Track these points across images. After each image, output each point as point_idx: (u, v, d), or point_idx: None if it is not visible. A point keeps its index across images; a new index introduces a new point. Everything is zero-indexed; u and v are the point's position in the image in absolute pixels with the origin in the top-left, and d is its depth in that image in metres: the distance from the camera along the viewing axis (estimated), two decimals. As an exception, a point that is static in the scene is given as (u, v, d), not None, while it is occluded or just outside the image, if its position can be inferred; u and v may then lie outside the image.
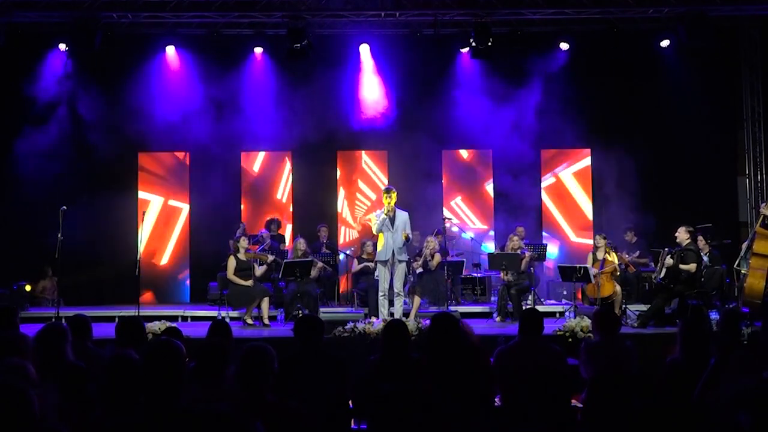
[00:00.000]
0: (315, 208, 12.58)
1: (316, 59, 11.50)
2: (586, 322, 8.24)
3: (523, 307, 9.46)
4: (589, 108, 12.19)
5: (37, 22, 11.30)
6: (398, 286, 9.04)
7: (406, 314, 9.19)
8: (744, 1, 11.05)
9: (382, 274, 9.11)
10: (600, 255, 9.96)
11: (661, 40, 11.71)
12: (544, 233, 12.52)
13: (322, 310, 9.85)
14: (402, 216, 9.02)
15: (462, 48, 11.79)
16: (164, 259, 12.55)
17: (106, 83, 11.88)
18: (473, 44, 11.14)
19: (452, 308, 9.99)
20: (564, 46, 11.82)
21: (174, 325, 6.97)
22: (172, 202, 12.59)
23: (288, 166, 12.71)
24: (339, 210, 12.67)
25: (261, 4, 11.09)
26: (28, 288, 11.15)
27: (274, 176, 12.75)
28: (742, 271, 9.62)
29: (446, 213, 12.28)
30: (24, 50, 11.64)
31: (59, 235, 9.50)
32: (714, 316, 8.98)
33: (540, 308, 9.54)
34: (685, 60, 11.86)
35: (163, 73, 12.05)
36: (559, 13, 11.21)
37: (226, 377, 3.60)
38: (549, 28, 11.89)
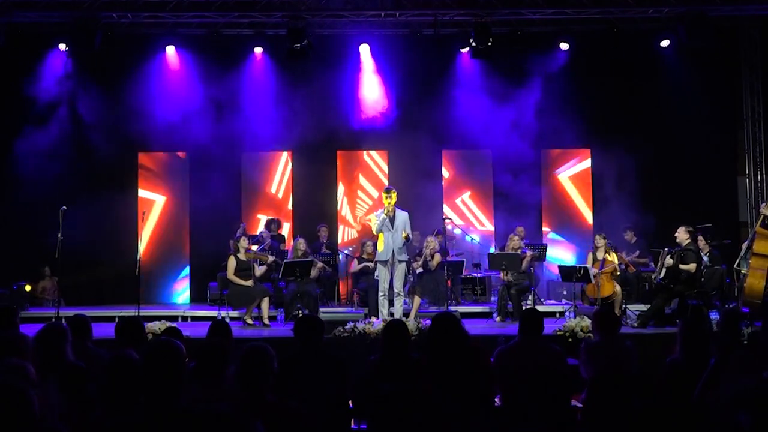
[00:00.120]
0: (315, 208, 12.58)
1: (316, 59, 11.50)
2: (586, 322, 8.25)
3: (523, 307, 9.47)
4: (589, 108, 12.18)
5: (37, 22, 11.30)
6: (398, 286, 9.04)
7: (406, 314, 9.18)
8: (744, 1, 11.05)
9: (382, 274, 9.11)
10: (600, 255, 9.95)
11: (661, 40, 11.71)
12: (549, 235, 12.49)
13: (322, 310, 9.85)
14: (402, 216, 9.02)
15: (462, 48, 11.80)
16: (164, 259, 12.54)
17: (106, 83, 11.89)
18: (473, 44, 11.14)
19: (452, 308, 9.98)
20: (564, 46, 11.81)
21: (174, 325, 6.98)
22: (172, 202, 12.58)
23: (288, 166, 12.71)
24: (339, 210, 12.68)
25: (261, 4, 11.09)
26: (28, 288, 11.15)
27: (274, 176, 12.74)
28: (742, 271, 9.62)
29: (446, 212, 12.27)
30: (24, 50, 11.64)
31: (59, 235, 9.50)
32: (714, 316, 8.99)
33: (540, 308, 9.55)
34: (685, 60, 11.86)
35: (163, 73, 12.04)
36: (559, 13, 11.21)
37: (226, 377, 3.61)
38: (549, 28, 11.89)
